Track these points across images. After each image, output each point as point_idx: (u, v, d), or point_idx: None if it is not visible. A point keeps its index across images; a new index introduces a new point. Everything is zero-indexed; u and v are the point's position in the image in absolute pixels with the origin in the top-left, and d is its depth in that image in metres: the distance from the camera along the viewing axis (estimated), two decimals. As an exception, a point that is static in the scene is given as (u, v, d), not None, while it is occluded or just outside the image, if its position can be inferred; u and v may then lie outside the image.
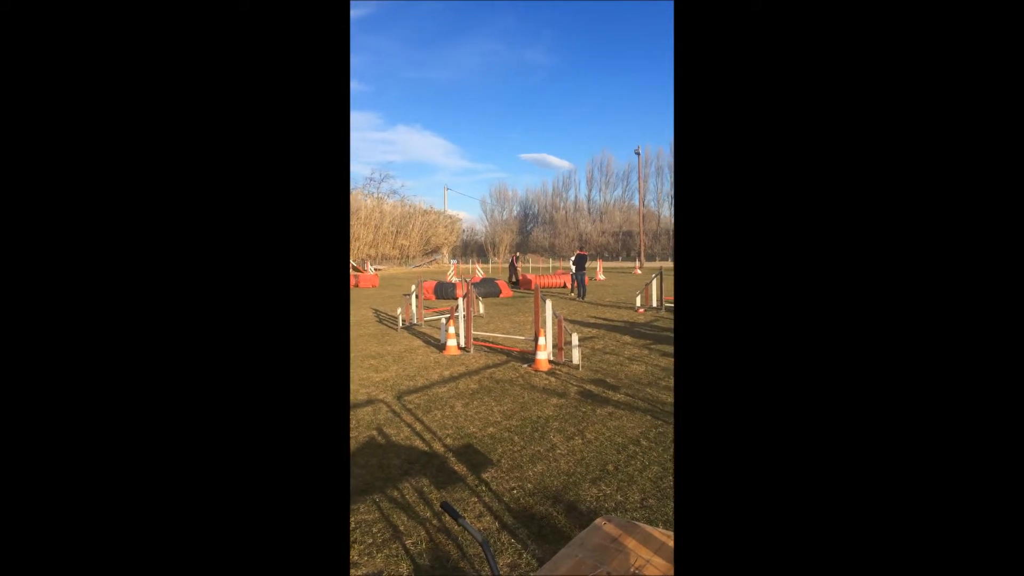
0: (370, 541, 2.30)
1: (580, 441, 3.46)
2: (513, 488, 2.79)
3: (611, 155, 58.17)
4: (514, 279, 18.03)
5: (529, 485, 2.82)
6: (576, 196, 57.31)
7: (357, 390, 4.86)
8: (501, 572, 2.04)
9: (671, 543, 1.27)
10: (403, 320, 8.84)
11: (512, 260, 19.36)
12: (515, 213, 58.21)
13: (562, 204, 56.14)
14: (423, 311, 9.27)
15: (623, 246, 48.88)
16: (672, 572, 1.16)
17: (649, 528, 1.34)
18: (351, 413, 4.16)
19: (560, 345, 5.92)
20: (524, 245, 54.66)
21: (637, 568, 1.18)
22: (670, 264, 30.91)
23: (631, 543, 1.28)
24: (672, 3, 0.82)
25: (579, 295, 13.28)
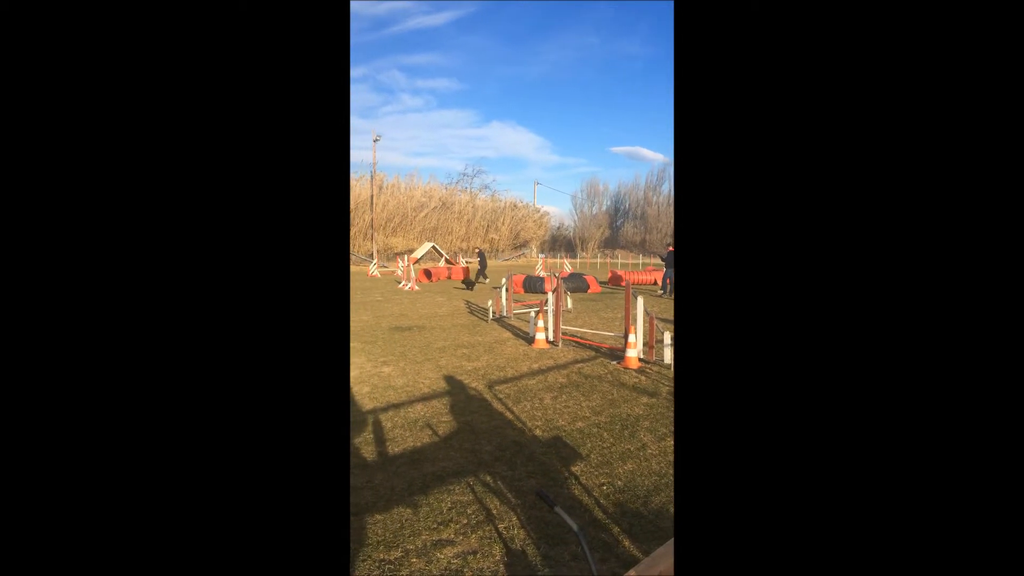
0: (465, 522, 2.41)
1: (672, 442, 3.37)
2: (603, 484, 2.79)
3: (709, 146, 55.02)
4: (482, 276, 17.41)
5: (619, 482, 2.80)
6: (670, 190, 55.16)
7: (451, 376, 5.08)
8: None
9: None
10: (493, 312, 9.06)
11: (479, 253, 19.02)
12: (605, 208, 57.20)
13: (655, 198, 54.25)
14: (512, 304, 9.44)
15: (720, 242, 46.35)
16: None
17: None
18: (444, 400, 4.36)
19: (651, 343, 5.77)
20: (614, 240, 53.60)
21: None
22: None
23: (733, 549, 1.24)
24: (672, 3, 0.84)
25: (667, 292, 12.83)
